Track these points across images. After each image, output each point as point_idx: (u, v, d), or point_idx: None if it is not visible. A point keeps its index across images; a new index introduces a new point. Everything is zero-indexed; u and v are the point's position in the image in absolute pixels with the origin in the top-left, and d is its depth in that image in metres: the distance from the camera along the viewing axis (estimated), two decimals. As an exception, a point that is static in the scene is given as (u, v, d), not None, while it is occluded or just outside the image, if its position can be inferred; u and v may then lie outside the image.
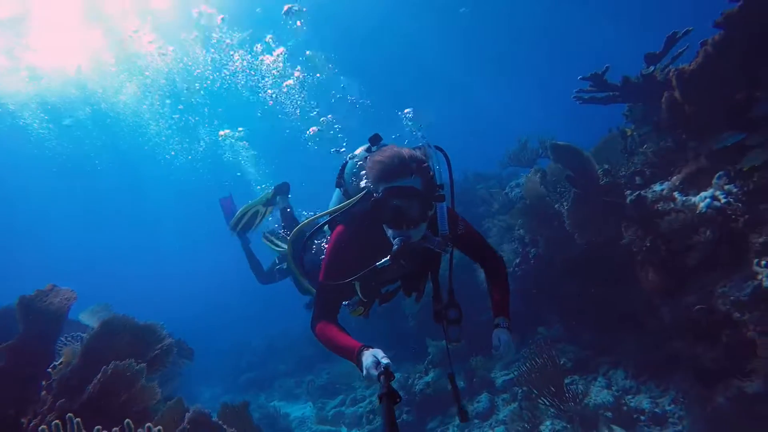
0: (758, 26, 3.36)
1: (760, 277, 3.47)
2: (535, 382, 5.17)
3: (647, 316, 5.00)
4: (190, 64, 14.33)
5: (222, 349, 15.77)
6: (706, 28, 3.88)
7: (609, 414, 4.76)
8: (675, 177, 4.68)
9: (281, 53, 12.04)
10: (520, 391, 5.65)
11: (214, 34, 12.59)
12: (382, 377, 1.43)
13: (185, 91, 16.09)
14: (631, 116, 5.89)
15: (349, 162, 2.35)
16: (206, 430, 1.92)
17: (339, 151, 4.21)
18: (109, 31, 12.48)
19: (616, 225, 4.98)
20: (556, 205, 5.92)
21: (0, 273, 30.85)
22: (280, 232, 5.67)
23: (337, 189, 2.47)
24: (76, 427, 1.45)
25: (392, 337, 7.95)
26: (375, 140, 2.30)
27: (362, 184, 2.05)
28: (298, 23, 9.67)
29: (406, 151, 1.90)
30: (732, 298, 3.76)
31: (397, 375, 7.77)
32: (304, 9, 9.62)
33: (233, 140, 17.78)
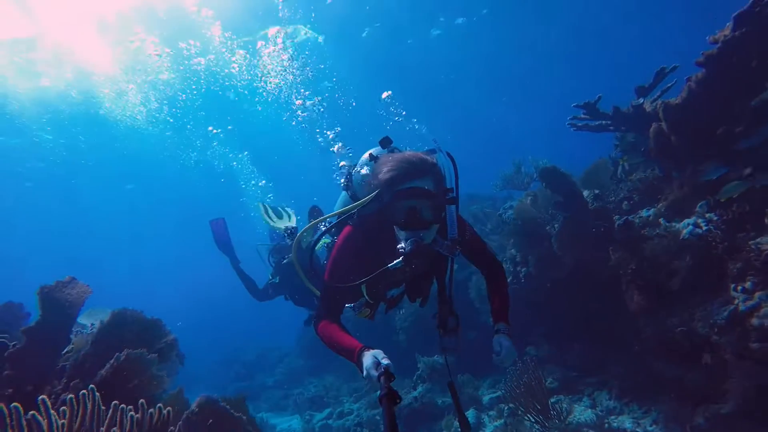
0: (735, 67, 3.61)
1: (736, 301, 3.64)
2: (522, 400, 5.27)
3: (633, 337, 5.14)
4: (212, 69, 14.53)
5: (213, 360, 15.72)
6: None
7: (592, 432, 4.86)
8: (661, 204, 4.89)
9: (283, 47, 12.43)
10: (506, 408, 5.74)
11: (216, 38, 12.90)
12: (382, 378, 1.43)
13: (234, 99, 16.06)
14: (621, 144, 6.14)
15: (358, 166, 2.34)
16: (213, 414, 2.01)
17: (341, 165, 4.37)
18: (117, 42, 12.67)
19: (605, 248, 5.16)
20: (547, 227, 6.11)
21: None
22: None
23: (344, 192, 2.48)
24: (94, 397, 1.57)
25: (385, 347, 8.01)
26: (386, 143, 2.31)
27: (372, 185, 2.01)
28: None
29: (418, 154, 1.93)
30: (711, 321, 3.92)
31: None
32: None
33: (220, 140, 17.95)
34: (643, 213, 4.95)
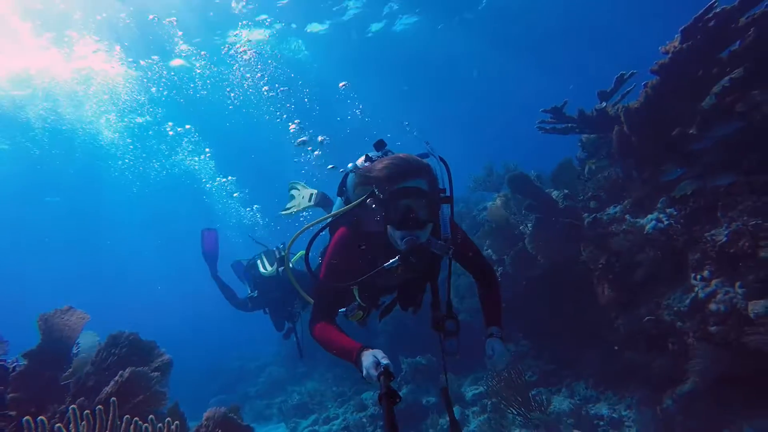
0: (684, 75, 3.93)
1: (696, 289, 3.93)
2: (504, 394, 5.49)
3: (605, 328, 5.42)
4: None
5: (192, 372, 15.42)
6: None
7: (571, 421, 5.10)
8: (626, 201, 5.19)
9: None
10: (489, 403, 5.93)
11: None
12: (381, 378, 1.42)
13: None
14: (586, 146, 6.46)
15: (351, 173, 2.34)
16: (222, 425, 2.08)
17: (335, 167, 4.29)
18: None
19: (576, 245, 5.44)
20: (521, 227, 6.36)
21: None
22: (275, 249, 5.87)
23: (339, 198, 2.48)
24: (112, 407, 1.63)
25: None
26: (379, 146, 2.31)
27: (366, 186, 2.01)
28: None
29: (412, 155, 1.97)
30: (675, 309, 4.22)
31: (371, 392, 7.95)
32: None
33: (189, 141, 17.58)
34: (610, 210, 5.24)
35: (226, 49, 12.91)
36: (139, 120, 16.64)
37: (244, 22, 12.63)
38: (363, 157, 2.34)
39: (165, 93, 15.03)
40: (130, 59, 13.10)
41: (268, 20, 12.90)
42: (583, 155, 6.60)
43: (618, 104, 5.45)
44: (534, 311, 6.39)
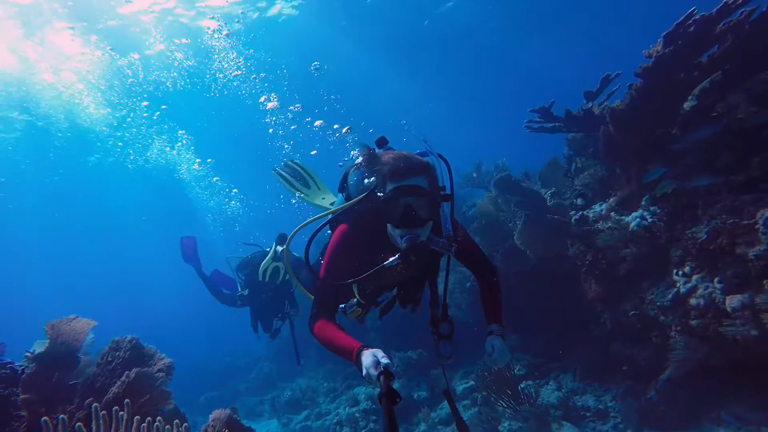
0: (666, 78, 4.07)
1: (678, 285, 4.09)
2: (493, 388, 5.63)
3: (592, 323, 5.59)
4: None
5: (179, 370, 15.35)
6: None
7: (559, 412, 5.26)
8: (612, 199, 5.34)
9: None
10: (479, 396, 6.07)
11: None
12: (381, 377, 1.41)
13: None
14: (572, 144, 6.60)
15: (352, 170, 2.33)
16: (227, 426, 2.15)
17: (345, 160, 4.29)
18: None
19: (563, 241, 5.59)
20: (510, 224, 6.49)
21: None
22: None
23: (340, 194, 2.47)
24: (126, 407, 1.69)
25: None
26: (381, 143, 2.30)
27: (366, 183, 2.04)
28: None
29: (412, 154, 1.96)
30: (658, 303, 4.38)
31: (363, 387, 8.05)
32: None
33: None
34: (596, 208, 5.38)
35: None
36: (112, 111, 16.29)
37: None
38: (361, 155, 2.23)
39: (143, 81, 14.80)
40: (108, 47, 12.86)
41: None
42: (569, 153, 6.74)
43: (604, 104, 5.59)
44: (523, 306, 6.54)
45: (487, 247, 7.09)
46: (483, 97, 23.94)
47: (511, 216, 6.84)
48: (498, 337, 2.08)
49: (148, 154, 18.87)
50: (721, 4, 3.49)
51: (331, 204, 3.66)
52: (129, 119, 16.78)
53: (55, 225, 26.66)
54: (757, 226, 3.37)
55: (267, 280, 5.34)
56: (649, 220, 4.58)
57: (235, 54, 12.34)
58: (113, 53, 12.99)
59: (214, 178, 19.26)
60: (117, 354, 2.57)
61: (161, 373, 2.46)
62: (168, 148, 18.16)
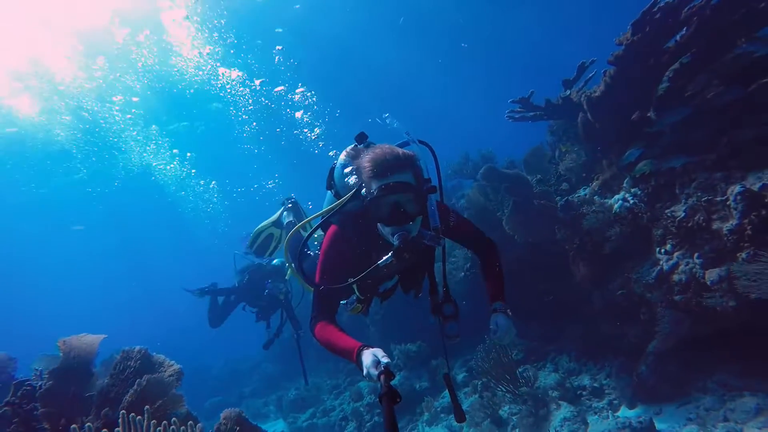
0: (637, 65, 4.22)
1: (661, 262, 4.25)
2: (493, 373, 5.79)
3: (583, 304, 5.75)
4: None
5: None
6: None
7: (556, 393, 5.43)
8: (594, 183, 5.50)
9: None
10: (479, 383, 6.24)
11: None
12: (382, 377, 1.41)
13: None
14: (555, 131, 6.75)
15: (338, 164, 2.34)
16: (238, 423, 2.27)
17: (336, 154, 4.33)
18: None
19: (551, 226, 5.74)
20: (498, 213, 6.64)
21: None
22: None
23: (328, 191, 2.45)
24: (146, 413, 1.81)
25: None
26: (361, 138, 2.29)
27: (352, 182, 2.04)
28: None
29: (395, 148, 1.93)
30: (643, 281, 4.54)
31: (366, 382, 8.20)
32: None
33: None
34: (580, 192, 5.54)
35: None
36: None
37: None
38: (347, 149, 2.35)
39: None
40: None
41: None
42: (552, 140, 6.89)
43: (582, 91, 5.73)
44: (517, 291, 6.68)
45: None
46: (481, 83, 23.93)
47: (499, 205, 6.99)
48: (501, 313, 2.09)
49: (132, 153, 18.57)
50: (682, -8, 3.64)
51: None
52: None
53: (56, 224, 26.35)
54: (728, 203, 3.53)
55: (254, 247, 5.32)
56: (631, 201, 4.74)
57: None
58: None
59: (192, 171, 19.12)
60: (128, 364, 2.68)
61: (172, 378, 2.57)
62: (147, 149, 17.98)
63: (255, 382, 12.89)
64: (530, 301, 6.53)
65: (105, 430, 1.73)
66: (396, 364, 7.59)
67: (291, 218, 4.96)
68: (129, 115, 15.69)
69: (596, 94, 4.70)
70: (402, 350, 7.60)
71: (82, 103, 14.45)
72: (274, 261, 6.68)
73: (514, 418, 5.49)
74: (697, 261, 3.90)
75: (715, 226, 3.74)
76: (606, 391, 5.23)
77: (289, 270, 6.26)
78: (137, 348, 2.84)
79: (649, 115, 4.51)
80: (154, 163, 18.81)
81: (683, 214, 4.02)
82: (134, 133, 16.87)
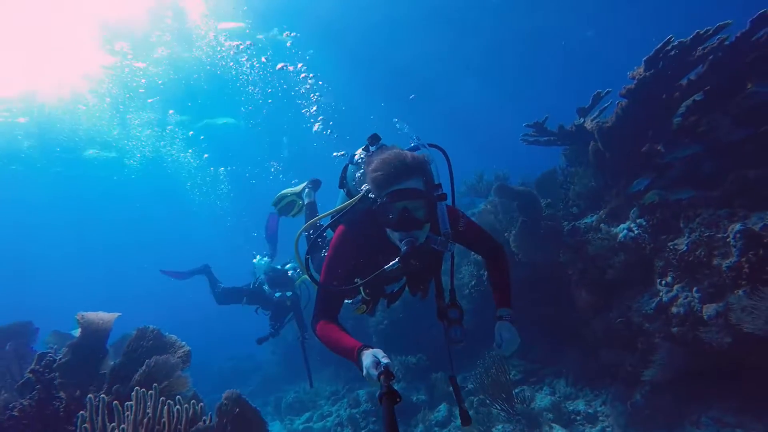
0: (648, 99, 4.34)
1: (660, 294, 4.31)
2: (490, 391, 5.85)
3: (583, 330, 5.80)
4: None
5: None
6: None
7: (551, 416, 5.47)
8: (602, 211, 5.58)
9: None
10: (475, 399, 6.29)
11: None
12: (382, 377, 1.42)
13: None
14: (569, 157, 6.86)
15: (350, 165, 2.34)
16: (238, 405, 2.41)
17: (341, 155, 4.40)
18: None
19: (556, 249, 5.82)
20: (506, 234, 6.73)
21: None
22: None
23: (341, 190, 2.46)
24: (154, 390, 1.97)
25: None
26: (374, 140, 2.28)
27: (364, 186, 2.03)
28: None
29: (406, 153, 1.91)
30: (642, 311, 4.60)
31: (364, 390, 8.28)
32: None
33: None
34: (587, 219, 5.62)
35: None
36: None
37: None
38: (360, 150, 2.36)
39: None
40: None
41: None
42: (565, 166, 6.99)
43: (596, 119, 5.84)
44: (520, 312, 6.73)
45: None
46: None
47: (508, 225, 7.07)
48: (506, 322, 2.11)
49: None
50: (693, 34, 3.76)
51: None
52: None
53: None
54: (728, 240, 3.60)
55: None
56: (636, 231, 4.82)
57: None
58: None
59: (204, 155, 19.30)
60: (141, 343, 2.87)
61: (179, 360, 2.74)
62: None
63: (255, 383, 13.03)
64: (533, 323, 6.58)
65: (116, 402, 1.89)
66: (396, 373, 7.65)
67: (312, 198, 4.99)
68: (150, 100, 15.79)
69: (608, 125, 4.81)
70: (402, 362, 7.68)
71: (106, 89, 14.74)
72: (287, 266, 6.89)
73: (506, 437, 5.54)
74: (695, 295, 3.96)
75: (716, 262, 3.80)
76: (600, 418, 5.26)
77: (299, 280, 6.50)
78: (151, 327, 3.02)
79: (659, 148, 4.61)
80: (166, 149, 18.93)
81: (685, 248, 4.09)
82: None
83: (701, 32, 3.73)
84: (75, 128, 16.45)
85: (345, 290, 2.04)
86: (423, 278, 2.31)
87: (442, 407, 6.82)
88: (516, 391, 5.95)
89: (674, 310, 4.14)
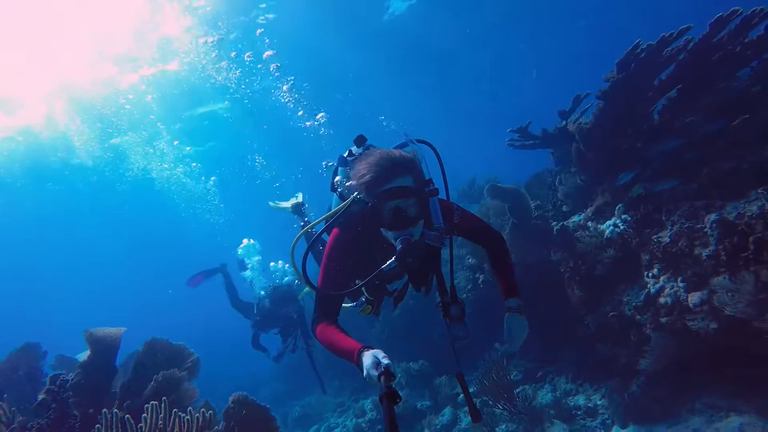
0: (622, 100, 4.53)
1: (648, 286, 4.46)
2: (492, 392, 5.95)
3: (579, 326, 5.93)
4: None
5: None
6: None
7: (552, 411, 5.58)
8: (588, 209, 5.74)
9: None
10: (478, 401, 6.38)
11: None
12: (382, 378, 1.41)
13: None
14: (557, 158, 7.05)
15: (340, 167, 2.35)
16: (245, 407, 2.52)
17: (328, 165, 4.50)
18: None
19: (546, 249, 5.97)
20: (498, 236, 6.88)
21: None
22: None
23: (333, 194, 2.47)
24: (164, 404, 2.09)
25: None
26: (360, 141, 2.28)
27: (351, 184, 2.02)
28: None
29: (393, 151, 1.92)
30: (633, 304, 4.75)
31: (369, 399, 8.36)
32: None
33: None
34: (575, 218, 5.78)
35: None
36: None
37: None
38: (347, 153, 2.35)
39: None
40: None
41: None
42: (554, 167, 7.18)
43: (578, 121, 6.03)
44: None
45: (477, 258, 7.48)
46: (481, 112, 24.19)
47: (500, 228, 7.23)
48: (516, 313, 2.12)
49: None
50: (659, 38, 3.96)
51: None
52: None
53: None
54: (705, 229, 3.76)
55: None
56: (621, 227, 4.98)
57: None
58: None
59: (193, 164, 18.97)
60: (149, 357, 2.99)
61: (185, 372, 2.85)
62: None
63: (261, 399, 12.99)
64: (532, 322, 6.68)
65: (128, 416, 2.00)
66: (397, 383, 7.73)
67: (302, 222, 5.06)
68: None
69: (588, 126, 5.00)
70: (404, 368, 7.77)
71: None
72: (286, 279, 6.97)
73: (510, 436, 5.63)
74: (680, 284, 4.11)
75: (697, 251, 3.96)
76: (600, 411, 5.36)
77: (302, 294, 6.60)
78: (159, 339, 3.14)
79: (638, 145, 4.79)
80: (157, 165, 18.67)
81: (668, 240, 4.25)
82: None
83: (666, 35, 3.93)
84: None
85: (345, 292, 2.03)
86: (424, 274, 2.29)
87: (447, 411, 6.90)
88: (518, 390, 6.05)
89: (662, 300, 4.28)
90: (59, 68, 12.25)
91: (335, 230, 2.09)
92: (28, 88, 12.60)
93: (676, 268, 4.21)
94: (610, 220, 5.21)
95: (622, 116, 4.66)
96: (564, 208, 6.40)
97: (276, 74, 11.62)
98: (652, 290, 4.43)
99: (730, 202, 3.87)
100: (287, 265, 6.86)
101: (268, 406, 2.79)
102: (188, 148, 18.26)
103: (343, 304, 2.19)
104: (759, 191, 3.50)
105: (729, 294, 3.47)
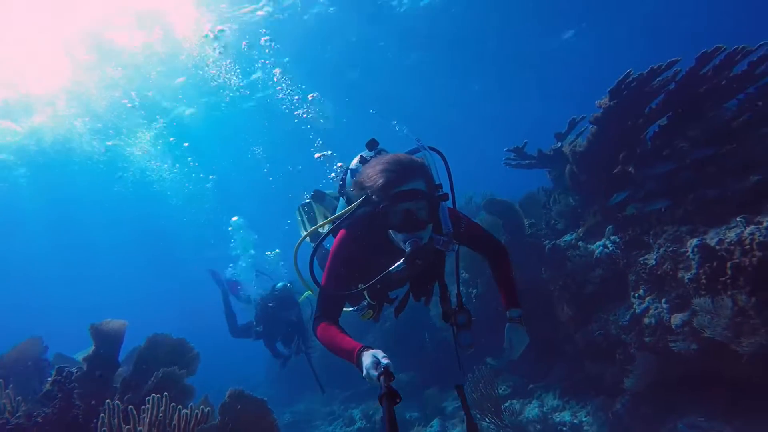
0: (614, 126, 4.72)
1: (634, 306, 4.60)
2: (479, 406, 6.04)
3: (568, 343, 6.05)
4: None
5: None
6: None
7: (538, 426, 5.68)
8: (580, 229, 5.91)
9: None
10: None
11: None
12: (382, 378, 1.42)
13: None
14: (553, 178, 7.23)
15: (350, 170, 2.36)
16: (241, 401, 2.62)
17: (324, 155, 4.48)
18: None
19: (538, 266, 6.11)
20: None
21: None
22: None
23: (341, 198, 2.48)
24: (164, 398, 2.21)
25: (353, 371, 8.64)
26: (372, 145, 2.31)
27: (364, 187, 1.99)
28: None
29: (405, 156, 1.95)
30: (619, 323, 4.88)
31: (359, 408, 8.42)
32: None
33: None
34: (566, 237, 5.94)
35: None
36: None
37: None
38: (357, 158, 2.37)
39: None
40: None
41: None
42: (549, 186, 7.36)
43: (572, 143, 6.23)
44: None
45: (471, 274, 7.61)
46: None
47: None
48: (516, 323, 2.15)
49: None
50: (648, 69, 4.16)
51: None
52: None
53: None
54: (688, 254, 3.92)
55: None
56: (610, 248, 5.14)
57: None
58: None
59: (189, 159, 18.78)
60: (150, 353, 3.10)
61: (183, 371, 2.97)
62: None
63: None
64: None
65: (131, 407, 2.12)
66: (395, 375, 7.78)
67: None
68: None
69: (581, 149, 5.18)
70: (405, 377, 7.85)
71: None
72: (278, 285, 7.03)
73: (496, 449, 5.71)
74: (664, 306, 4.25)
75: (680, 274, 4.11)
76: (584, 428, 5.46)
77: (303, 297, 6.67)
78: (160, 335, 3.25)
79: (630, 170, 4.97)
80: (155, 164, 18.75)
81: (654, 263, 4.40)
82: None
83: (655, 67, 4.13)
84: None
85: (348, 294, 2.06)
86: (426, 282, 2.32)
87: (435, 423, 6.98)
88: (505, 404, 6.14)
89: (646, 320, 4.42)
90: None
91: (342, 231, 2.10)
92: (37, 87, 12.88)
93: (661, 289, 4.36)
94: (600, 240, 5.37)
95: (614, 141, 4.84)
96: (559, 226, 6.56)
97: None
98: (638, 310, 4.57)
99: (713, 228, 4.02)
100: (277, 250, 6.88)
101: (265, 399, 2.88)
102: (186, 144, 18.24)
103: (345, 308, 2.22)
104: (738, 219, 3.66)
105: (708, 316, 3.61)
